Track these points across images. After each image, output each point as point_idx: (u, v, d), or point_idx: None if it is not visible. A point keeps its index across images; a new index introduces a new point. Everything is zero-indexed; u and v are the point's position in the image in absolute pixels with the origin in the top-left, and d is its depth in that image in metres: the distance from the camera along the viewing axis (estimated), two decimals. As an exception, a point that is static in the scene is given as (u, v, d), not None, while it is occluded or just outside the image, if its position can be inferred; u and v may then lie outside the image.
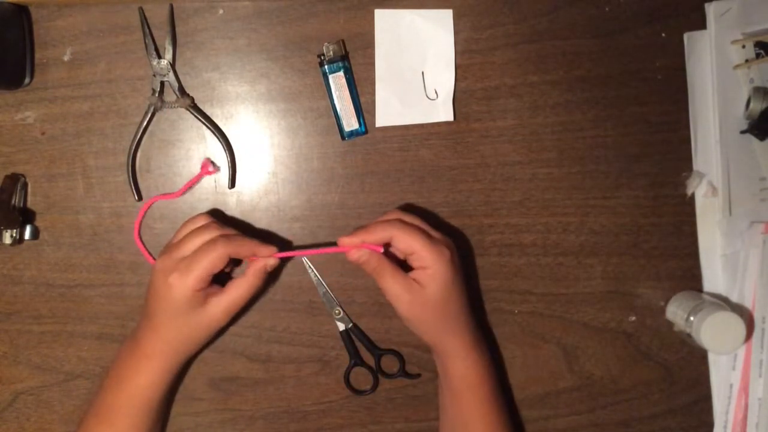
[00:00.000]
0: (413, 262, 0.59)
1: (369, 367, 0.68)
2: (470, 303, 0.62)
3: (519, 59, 0.67)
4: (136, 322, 0.67)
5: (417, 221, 0.61)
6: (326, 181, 0.67)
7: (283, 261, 0.67)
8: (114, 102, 0.66)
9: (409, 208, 0.67)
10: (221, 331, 0.64)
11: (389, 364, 0.68)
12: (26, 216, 0.66)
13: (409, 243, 0.58)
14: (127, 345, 0.62)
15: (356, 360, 0.67)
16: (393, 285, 0.58)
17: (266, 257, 0.60)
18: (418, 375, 0.68)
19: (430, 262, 0.58)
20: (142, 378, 0.60)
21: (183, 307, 0.58)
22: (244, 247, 0.59)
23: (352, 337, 0.67)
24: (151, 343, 0.60)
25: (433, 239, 0.59)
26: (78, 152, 0.66)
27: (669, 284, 0.69)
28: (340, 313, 0.67)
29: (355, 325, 0.67)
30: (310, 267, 0.67)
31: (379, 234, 0.59)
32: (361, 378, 0.68)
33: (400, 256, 0.61)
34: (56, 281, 0.67)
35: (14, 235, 0.65)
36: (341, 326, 0.67)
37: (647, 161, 0.68)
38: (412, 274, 0.59)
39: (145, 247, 0.66)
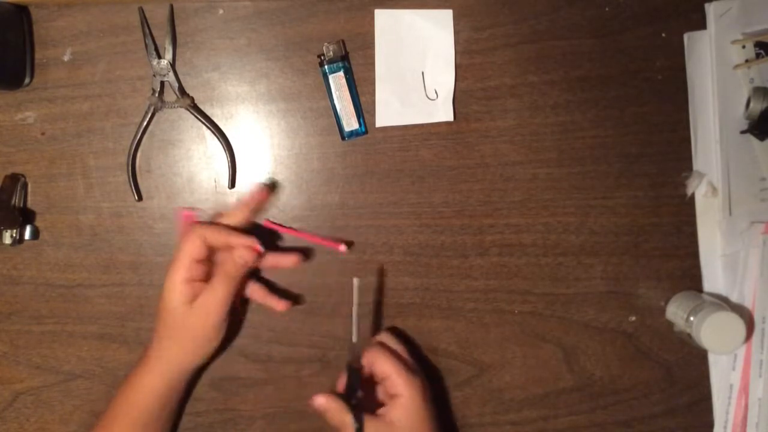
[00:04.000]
0: (387, 388, 0.60)
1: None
2: None
3: (519, 59, 0.67)
4: (136, 322, 0.67)
5: (398, 347, 0.63)
6: (326, 181, 0.67)
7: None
8: (114, 102, 0.66)
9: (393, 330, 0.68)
10: (222, 345, 0.63)
11: None
12: (26, 216, 0.66)
13: (384, 367, 0.60)
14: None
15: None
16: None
17: (241, 245, 0.61)
18: None
19: (402, 389, 0.59)
20: (142, 384, 0.60)
21: (172, 301, 0.60)
22: (217, 234, 0.61)
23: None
24: (152, 349, 0.61)
25: (408, 368, 0.60)
26: (78, 152, 0.66)
27: (669, 284, 0.69)
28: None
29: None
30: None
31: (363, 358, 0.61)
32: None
33: (377, 380, 0.62)
34: (56, 281, 0.67)
35: (14, 235, 0.65)
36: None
37: (647, 161, 0.68)
38: (382, 409, 0.59)
39: None
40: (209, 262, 0.62)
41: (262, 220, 0.67)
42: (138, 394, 0.60)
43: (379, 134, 0.67)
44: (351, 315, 0.60)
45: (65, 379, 0.68)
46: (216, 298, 0.60)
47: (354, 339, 0.60)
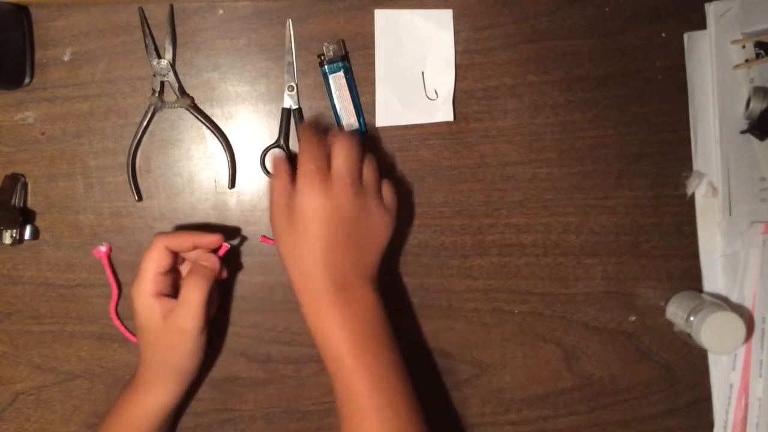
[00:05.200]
0: None
1: (290, 153, 0.65)
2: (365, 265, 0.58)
3: (519, 59, 0.67)
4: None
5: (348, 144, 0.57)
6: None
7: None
8: (114, 102, 0.66)
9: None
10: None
11: None
12: (26, 216, 0.66)
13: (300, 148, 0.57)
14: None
15: (282, 142, 0.65)
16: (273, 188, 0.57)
17: (208, 245, 0.59)
18: None
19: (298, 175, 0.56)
20: (135, 409, 0.59)
21: (147, 320, 0.58)
22: (181, 238, 0.59)
23: (291, 118, 0.65)
24: (139, 373, 0.60)
25: (316, 168, 0.55)
26: (78, 152, 0.66)
27: (669, 284, 0.69)
28: (293, 90, 0.64)
29: (300, 109, 0.65)
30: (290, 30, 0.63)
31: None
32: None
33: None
34: (56, 281, 0.67)
35: (14, 235, 0.65)
36: (287, 103, 0.65)
37: (647, 161, 0.68)
38: None
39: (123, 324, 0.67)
40: (175, 273, 0.61)
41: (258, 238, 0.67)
42: (132, 419, 0.59)
43: (379, 134, 0.67)
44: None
45: (65, 379, 0.68)
46: (190, 309, 0.57)
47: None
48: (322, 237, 0.55)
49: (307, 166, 0.56)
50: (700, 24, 0.67)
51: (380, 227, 0.58)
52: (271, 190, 0.58)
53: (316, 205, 0.55)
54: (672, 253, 0.69)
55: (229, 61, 0.66)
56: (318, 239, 0.55)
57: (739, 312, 0.63)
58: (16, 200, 0.65)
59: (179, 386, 0.61)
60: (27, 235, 0.66)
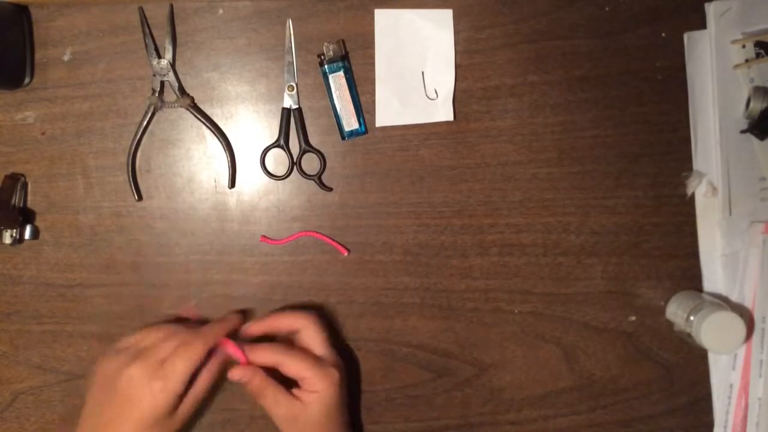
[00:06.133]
0: (302, 384, 0.60)
1: (290, 153, 0.66)
2: (351, 423, 0.63)
3: (519, 59, 0.67)
4: (136, 322, 0.67)
5: (320, 330, 0.61)
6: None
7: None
8: (114, 102, 0.66)
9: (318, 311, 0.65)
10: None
11: (313, 165, 0.67)
12: (26, 216, 0.66)
13: (297, 370, 0.59)
14: None
15: (282, 142, 0.66)
16: (275, 405, 0.59)
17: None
18: (330, 188, 0.67)
19: (319, 386, 0.59)
20: None
21: (159, 413, 0.56)
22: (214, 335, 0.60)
23: (291, 118, 0.66)
24: None
25: (322, 362, 0.60)
26: (78, 152, 0.66)
27: (669, 284, 0.69)
28: (293, 90, 0.65)
29: (300, 109, 0.66)
30: (289, 29, 0.64)
31: (267, 357, 0.60)
32: (279, 162, 0.67)
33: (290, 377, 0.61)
34: (56, 281, 0.67)
35: (14, 235, 0.65)
36: (287, 103, 0.66)
37: (647, 161, 0.68)
38: (296, 390, 0.60)
39: None
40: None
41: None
42: None
43: (379, 134, 0.67)
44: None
45: (65, 379, 0.68)
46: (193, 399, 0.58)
47: None
48: None
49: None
50: (700, 24, 0.67)
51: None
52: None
53: None
54: (672, 253, 0.69)
55: (229, 61, 0.66)
56: None
57: (739, 312, 0.63)
58: (16, 200, 0.65)
59: None
60: (27, 235, 0.66)
